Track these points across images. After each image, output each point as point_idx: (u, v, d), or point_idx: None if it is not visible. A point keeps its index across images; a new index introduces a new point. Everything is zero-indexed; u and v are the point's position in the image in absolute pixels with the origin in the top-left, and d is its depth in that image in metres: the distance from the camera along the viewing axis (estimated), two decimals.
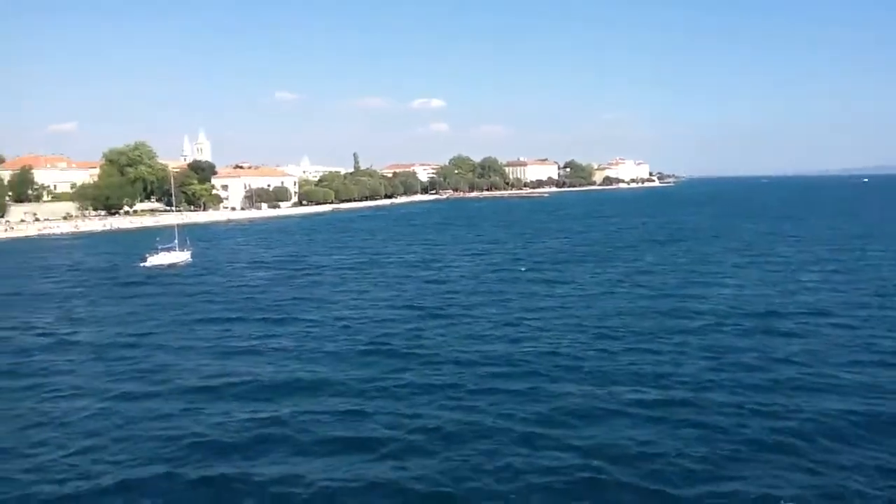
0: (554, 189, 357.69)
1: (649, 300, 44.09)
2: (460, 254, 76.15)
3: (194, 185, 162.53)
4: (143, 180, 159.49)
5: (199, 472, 19.84)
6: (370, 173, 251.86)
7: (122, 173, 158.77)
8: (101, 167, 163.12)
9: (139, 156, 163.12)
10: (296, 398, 25.95)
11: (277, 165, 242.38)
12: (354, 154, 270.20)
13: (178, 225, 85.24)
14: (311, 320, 40.34)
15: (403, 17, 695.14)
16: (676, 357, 30.30)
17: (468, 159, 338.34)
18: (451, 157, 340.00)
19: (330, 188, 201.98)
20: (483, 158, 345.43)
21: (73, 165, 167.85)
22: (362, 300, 47.03)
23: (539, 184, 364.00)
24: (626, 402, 24.59)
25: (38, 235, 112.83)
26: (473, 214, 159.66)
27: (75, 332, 38.98)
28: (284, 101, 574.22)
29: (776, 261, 62.40)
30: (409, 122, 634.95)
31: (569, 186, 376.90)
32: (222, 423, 23.41)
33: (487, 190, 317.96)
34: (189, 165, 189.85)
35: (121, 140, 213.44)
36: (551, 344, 33.07)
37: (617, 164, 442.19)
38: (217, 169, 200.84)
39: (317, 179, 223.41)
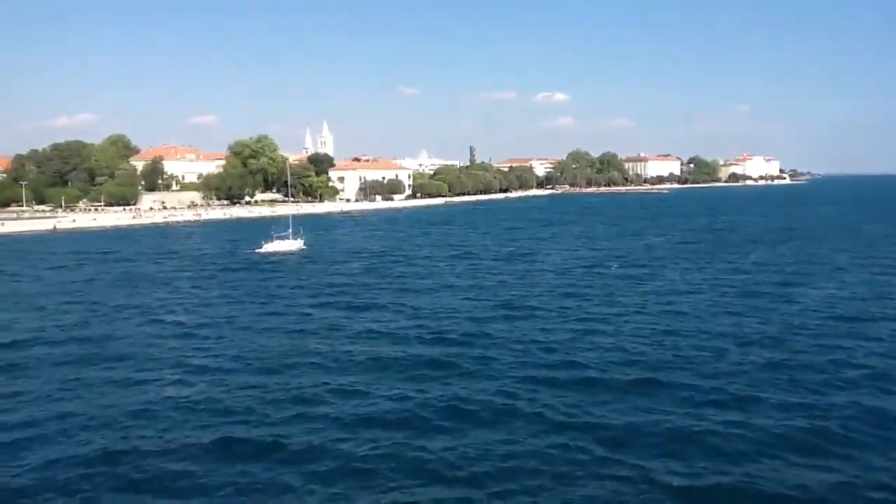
0: (675, 185, 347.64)
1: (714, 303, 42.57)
2: (552, 249, 75.98)
3: (311, 177, 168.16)
4: (265, 172, 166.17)
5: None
6: (485, 167, 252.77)
7: (245, 165, 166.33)
8: (226, 159, 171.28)
9: (261, 148, 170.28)
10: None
11: (394, 158, 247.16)
12: (470, 148, 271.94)
13: (293, 215, 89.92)
14: (392, 306, 41.93)
15: (529, 8, 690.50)
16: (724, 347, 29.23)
17: (586, 154, 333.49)
18: (570, 151, 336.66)
19: (443, 181, 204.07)
20: (602, 153, 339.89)
21: (201, 157, 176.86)
22: (443, 292, 47.68)
23: (660, 180, 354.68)
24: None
25: (164, 223, 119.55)
26: (584, 209, 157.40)
27: (179, 312, 42.18)
28: (408, 96, 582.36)
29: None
30: (533, 115, 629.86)
31: (692, 183, 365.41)
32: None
33: (605, 185, 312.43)
34: (308, 158, 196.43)
35: (253, 132, 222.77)
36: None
37: (744, 160, 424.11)
38: (336, 161, 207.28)
39: (431, 173, 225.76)
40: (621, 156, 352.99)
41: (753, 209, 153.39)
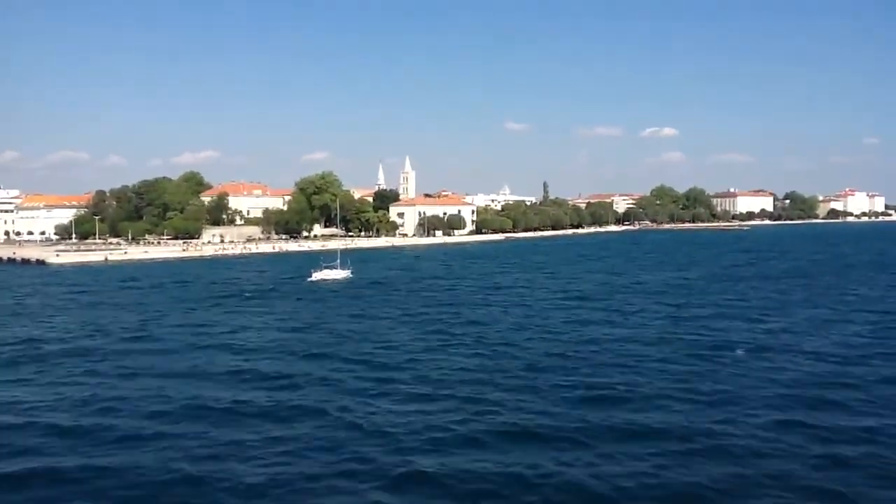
0: (766, 222, 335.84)
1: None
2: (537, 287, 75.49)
3: (368, 212, 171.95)
4: (326, 207, 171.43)
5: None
6: (559, 203, 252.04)
7: (310, 201, 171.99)
8: (292, 195, 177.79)
9: (325, 184, 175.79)
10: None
11: (469, 194, 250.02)
12: (544, 184, 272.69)
13: (342, 249, 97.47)
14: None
15: (634, 43, 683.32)
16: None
17: (671, 190, 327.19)
18: (653, 187, 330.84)
19: (508, 217, 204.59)
20: (688, 189, 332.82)
21: (269, 193, 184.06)
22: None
23: (750, 216, 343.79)
24: None
25: (212, 256, 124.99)
26: (634, 245, 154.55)
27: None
28: (514, 132, 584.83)
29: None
30: (639, 151, 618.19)
31: (786, 219, 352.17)
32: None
33: (690, 221, 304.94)
34: (375, 194, 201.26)
35: (357, 167, 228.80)
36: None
37: (845, 195, 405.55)
38: (411, 198, 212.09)
39: (499, 208, 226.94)
40: (710, 191, 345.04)
41: (810, 246, 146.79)
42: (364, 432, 24.21)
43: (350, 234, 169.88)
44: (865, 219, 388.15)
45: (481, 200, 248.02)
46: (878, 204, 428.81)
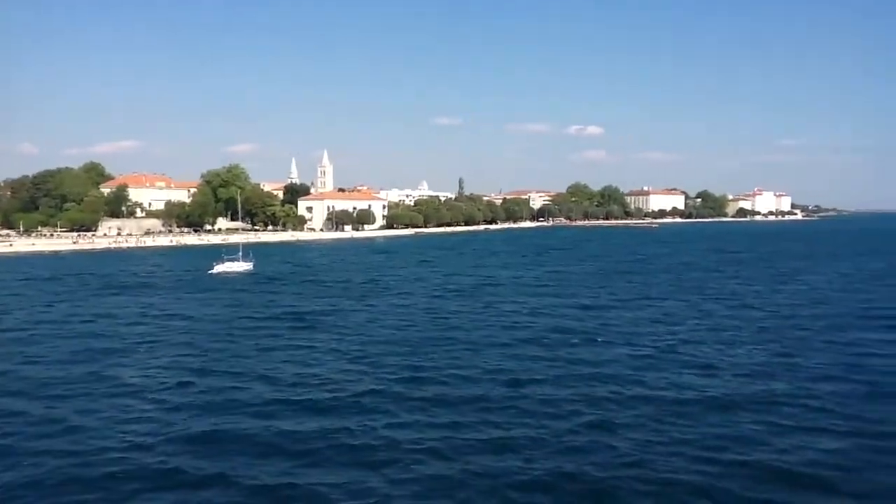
0: (678, 220, 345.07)
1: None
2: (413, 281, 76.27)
3: (274, 206, 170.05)
4: (234, 200, 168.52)
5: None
6: (473, 199, 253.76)
7: (216, 194, 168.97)
8: (197, 187, 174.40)
9: (232, 177, 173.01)
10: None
11: (381, 189, 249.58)
12: (459, 180, 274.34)
13: (244, 243, 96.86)
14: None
15: (565, 41, 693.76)
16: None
17: (586, 188, 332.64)
18: (567, 184, 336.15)
19: (420, 213, 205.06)
20: (603, 187, 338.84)
21: (172, 185, 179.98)
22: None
23: (662, 214, 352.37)
24: None
25: (104, 249, 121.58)
26: (540, 242, 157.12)
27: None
28: (443, 127, 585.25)
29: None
30: (565, 148, 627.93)
31: (697, 217, 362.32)
32: None
33: (604, 219, 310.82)
34: (286, 187, 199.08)
35: (288, 160, 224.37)
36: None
37: (754, 195, 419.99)
38: (328, 191, 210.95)
39: (412, 204, 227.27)
40: (624, 189, 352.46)
41: (701, 243, 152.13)
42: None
43: (256, 227, 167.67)
44: (772, 217, 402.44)
45: (395, 195, 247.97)
46: (785, 203, 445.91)
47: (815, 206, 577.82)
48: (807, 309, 51.81)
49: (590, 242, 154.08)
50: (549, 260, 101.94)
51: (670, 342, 38.88)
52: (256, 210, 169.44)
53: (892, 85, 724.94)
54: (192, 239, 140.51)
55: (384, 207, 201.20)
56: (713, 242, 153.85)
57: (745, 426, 24.38)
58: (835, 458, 21.55)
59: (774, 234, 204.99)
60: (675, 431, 23.92)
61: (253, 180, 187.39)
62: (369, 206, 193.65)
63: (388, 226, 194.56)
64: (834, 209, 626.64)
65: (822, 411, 26.09)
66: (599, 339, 39.76)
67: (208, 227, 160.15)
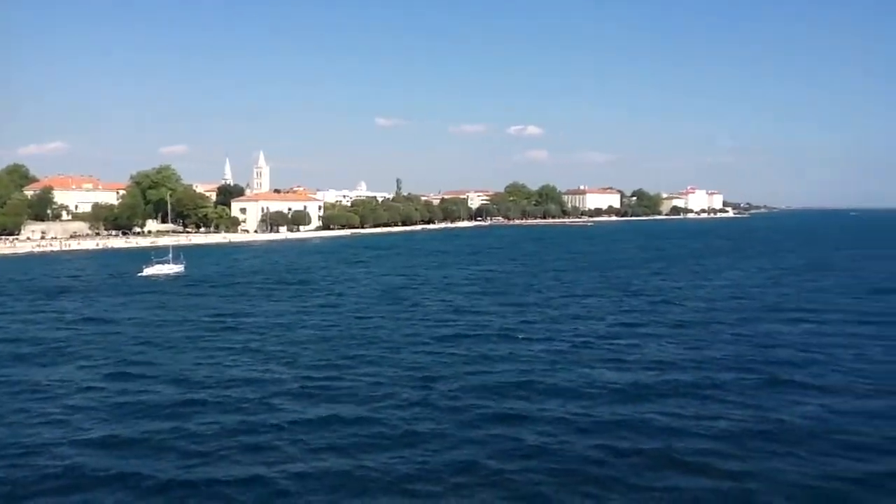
0: (614, 218, 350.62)
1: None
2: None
3: (207, 208, 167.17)
4: (163, 202, 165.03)
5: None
6: (411, 199, 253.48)
7: (145, 195, 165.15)
8: (126, 189, 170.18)
9: (163, 179, 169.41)
10: None
11: (318, 190, 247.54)
12: (397, 180, 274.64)
13: (174, 245, 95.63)
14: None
15: (503, 42, 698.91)
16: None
17: (524, 187, 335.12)
18: (506, 184, 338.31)
19: (356, 213, 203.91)
20: (541, 187, 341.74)
21: (100, 187, 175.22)
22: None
23: (598, 212, 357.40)
24: None
25: (27, 253, 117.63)
26: (475, 242, 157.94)
27: None
28: (383, 127, 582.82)
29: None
30: (506, 148, 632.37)
31: (632, 215, 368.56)
32: None
33: (542, 218, 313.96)
34: (219, 189, 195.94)
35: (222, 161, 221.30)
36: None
37: (687, 193, 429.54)
38: (257, 193, 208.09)
39: (349, 204, 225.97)
40: (561, 188, 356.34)
41: (633, 240, 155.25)
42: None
43: (187, 230, 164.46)
44: (704, 215, 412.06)
45: (332, 196, 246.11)
46: (717, 201, 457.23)
47: (747, 204, 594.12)
48: (723, 303, 53.54)
49: (524, 241, 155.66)
50: (482, 259, 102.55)
51: (587, 338, 39.70)
52: (188, 212, 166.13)
53: (818, 87, 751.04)
54: (119, 242, 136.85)
55: (320, 208, 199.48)
56: (644, 240, 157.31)
57: (647, 416, 25.20)
58: (724, 444, 22.43)
59: (704, 231, 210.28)
60: (579, 421, 24.67)
61: (186, 182, 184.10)
62: (305, 207, 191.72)
63: (325, 227, 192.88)
64: (764, 206, 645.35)
65: (722, 401, 27.09)
66: (520, 336, 40.38)
67: (137, 229, 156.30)
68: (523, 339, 39.56)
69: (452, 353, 35.68)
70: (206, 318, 48.35)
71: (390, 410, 26.08)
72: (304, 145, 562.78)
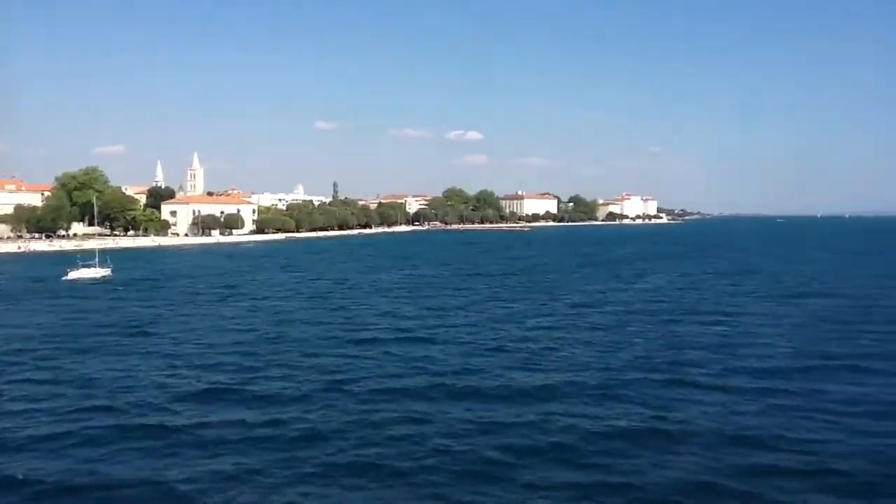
0: (551, 223, 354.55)
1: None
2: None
3: (135, 210, 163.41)
4: (91, 205, 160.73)
5: None
6: (348, 203, 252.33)
7: (72, 197, 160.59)
8: (51, 190, 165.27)
9: (90, 180, 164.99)
10: None
11: (253, 193, 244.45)
12: (334, 184, 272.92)
13: (98, 249, 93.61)
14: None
15: (441, 49, 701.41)
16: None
17: (462, 192, 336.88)
18: (445, 188, 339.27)
19: (291, 217, 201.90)
20: (479, 192, 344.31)
21: (24, 188, 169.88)
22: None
23: (536, 217, 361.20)
24: None
25: None
26: (410, 246, 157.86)
27: None
28: (324, 131, 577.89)
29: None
30: (446, 153, 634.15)
31: (569, 221, 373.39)
32: None
33: (479, 223, 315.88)
34: (149, 191, 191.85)
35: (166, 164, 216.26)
36: None
37: (622, 199, 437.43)
38: (191, 195, 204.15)
39: (284, 208, 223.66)
40: (499, 193, 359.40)
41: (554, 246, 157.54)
42: None
43: (115, 233, 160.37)
44: (639, 221, 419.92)
45: (267, 200, 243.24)
46: (651, 207, 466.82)
47: (681, 210, 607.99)
48: (641, 306, 54.55)
49: (459, 246, 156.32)
50: (414, 264, 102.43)
51: (504, 341, 40.04)
52: (116, 214, 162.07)
53: (750, 95, 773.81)
54: (41, 245, 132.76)
55: (254, 212, 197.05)
56: (576, 245, 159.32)
57: (551, 416, 25.56)
58: (622, 442, 22.98)
59: (636, 237, 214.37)
60: (483, 422, 24.89)
61: (116, 183, 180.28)
62: (238, 210, 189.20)
63: (259, 230, 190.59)
64: (698, 213, 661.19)
65: (625, 400, 27.80)
66: (437, 340, 40.39)
67: (62, 232, 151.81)
68: (441, 342, 39.67)
69: (369, 357, 35.68)
70: (124, 323, 47.23)
71: (297, 413, 25.96)
72: (244, 148, 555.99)
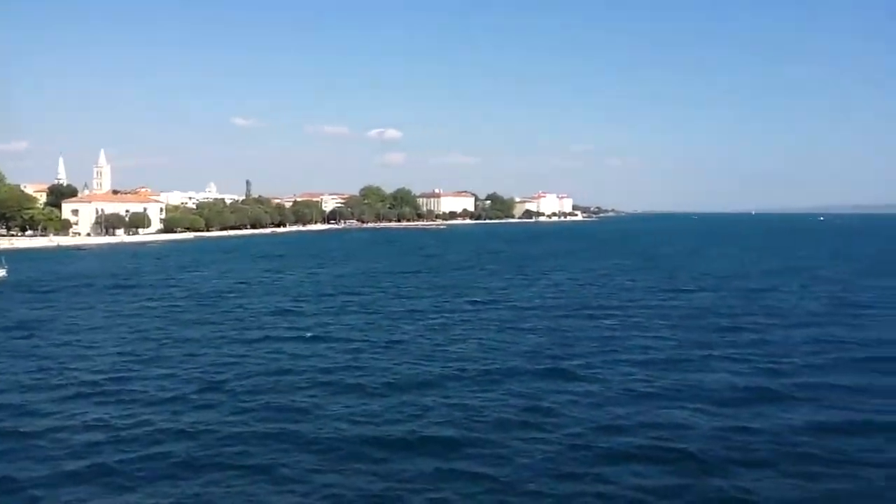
0: (468, 221, 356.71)
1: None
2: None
3: (34, 209, 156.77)
4: None
5: None
6: (261, 201, 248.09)
7: None
8: None
9: None
10: None
11: (162, 191, 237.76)
12: (247, 182, 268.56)
13: None
14: None
15: (363, 44, 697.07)
16: None
17: (379, 190, 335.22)
18: (362, 186, 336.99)
19: (201, 216, 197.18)
20: (396, 189, 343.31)
21: None
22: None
23: (453, 215, 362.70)
24: None
25: None
26: (323, 244, 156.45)
27: None
28: (241, 128, 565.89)
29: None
30: (365, 151, 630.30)
31: (486, 219, 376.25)
32: None
33: (396, 221, 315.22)
34: (49, 189, 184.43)
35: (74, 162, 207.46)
36: None
37: (538, 197, 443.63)
38: (93, 193, 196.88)
39: (195, 206, 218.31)
40: (416, 192, 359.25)
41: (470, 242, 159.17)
42: None
43: (12, 233, 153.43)
44: (555, 219, 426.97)
45: (177, 198, 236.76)
46: (567, 205, 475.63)
47: (597, 208, 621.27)
48: (541, 302, 55.53)
49: (372, 244, 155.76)
50: (322, 262, 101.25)
51: (398, 338, 40.07)
52: (13, 213, 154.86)
53: (663, 96, 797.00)
54: None
55: (162, 210, 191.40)
56: (488, 243, 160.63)
57: (427, 406, 26.25)
58: (492, 431, 23.56)
59: (550, 233, 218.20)
60: (356, 415, 25.30)
61: (18, 181, 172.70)
62: (145, 209, 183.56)
63: (168, 230, 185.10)
64: (613, 210, 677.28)
65: (503, 391, 28.56)
66: (330, 338, 40.40)
67: None
68: (334, 340, 39.59)
69: (255, 356, 35.41)
70: (6, 325, 45.51)
71: (167, 413, 25.55)
72: (156, 145, 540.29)
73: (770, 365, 32.76)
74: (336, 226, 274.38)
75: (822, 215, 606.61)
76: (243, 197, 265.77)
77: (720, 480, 19.39)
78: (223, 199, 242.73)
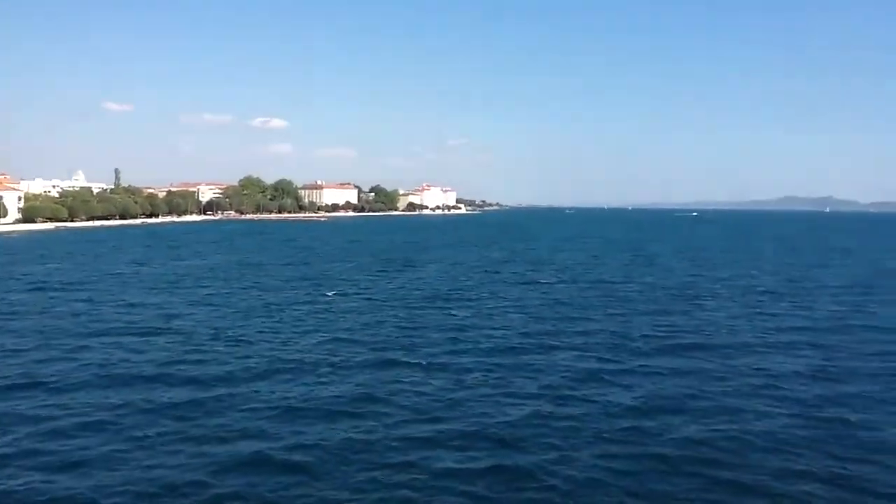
0: (350, 213, 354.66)
1: None
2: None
3: None
4: None
5: None
6: (131, 191, 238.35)
7: None
8: None
9: None
10: None
11: (22, 179, 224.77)
12: (116, 171, 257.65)
13: None
14: None
15: (250, 33, 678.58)
16: None
17: (259, 181, 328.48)
18: (240, 177, 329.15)
19: (64, 206, 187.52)
20: (277, 181, 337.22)
21: None
22: None
23: (336, 207, 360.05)
24: None
25: None
26: (195, 237, 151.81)
27: None
28: (114, 113, 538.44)
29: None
30: (249, 141, 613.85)
31: (370, 211, 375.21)
32: None
33: (277, 212, 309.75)
34: None
35: None
36: None
37: (423, 190, 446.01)
38: None
39: (58, 195, 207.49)
40: (297, 183, 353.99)
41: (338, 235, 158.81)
42: None
43: None
44: (439, 211, 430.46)
45: (39, 186, 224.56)
46: (451, 198, 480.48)
47: (481, 201, 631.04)
48: (405, 293, 55.78)
49: (245, 236, 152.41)
50: (186, 254, 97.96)
51: (245, 332, 39.10)
52: None
53: (544, 97, 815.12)
54: None
55: (20, 199, 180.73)
56: (360, 235, 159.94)
57: (258, 395, 26.05)
58: (318, 423, 23.41)
59: (430, 225, 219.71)
60: (213, 404, 25.07)
61: None
62: (0, 197, 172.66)
63: (28, 220, 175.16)
64: (496, 204, 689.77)
65: (336, 383, 28.36)
66: (171, 331, 38.87)
67: None
68: (174, 332, 38.21)
69: (91, 351, 33.83)
70: None
71: None
72: (18, 129, 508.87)
73: (602, 354, 33.86)
74: (212, 217, 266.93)
75: (695, 211, 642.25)
76: (112, 186, 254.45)
77: (524, 460, 19.92)
78: (90, 189, 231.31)
